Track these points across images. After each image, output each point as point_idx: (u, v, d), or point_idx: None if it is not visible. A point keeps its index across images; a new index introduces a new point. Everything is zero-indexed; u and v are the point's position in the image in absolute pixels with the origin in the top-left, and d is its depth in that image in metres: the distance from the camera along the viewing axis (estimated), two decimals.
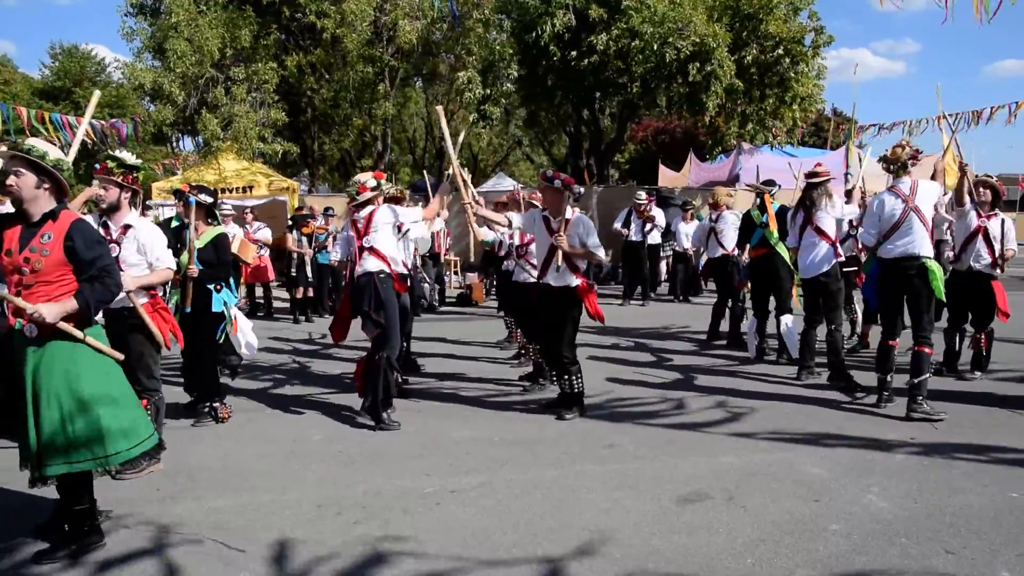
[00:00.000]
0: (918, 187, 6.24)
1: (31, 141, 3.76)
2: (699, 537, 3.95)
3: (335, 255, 7.84)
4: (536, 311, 6.62)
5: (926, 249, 6.15)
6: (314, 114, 22.85)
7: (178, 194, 6.62)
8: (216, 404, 6.32)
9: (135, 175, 5.05)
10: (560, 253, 6.13)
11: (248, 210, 13.35)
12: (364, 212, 6.24)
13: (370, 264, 6.14)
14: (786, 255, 8.24)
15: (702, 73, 16.90)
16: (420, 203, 14.60)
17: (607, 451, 5.44)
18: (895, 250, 6.22)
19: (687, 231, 14.95)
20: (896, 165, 6.30)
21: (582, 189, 6.75)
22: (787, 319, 8.28)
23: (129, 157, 5.03)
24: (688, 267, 15.20)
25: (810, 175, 7.49)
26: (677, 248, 15.12)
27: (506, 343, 9.67)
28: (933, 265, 6.10)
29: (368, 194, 6.22)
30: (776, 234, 8.34)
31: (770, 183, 8.94)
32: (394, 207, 6.38)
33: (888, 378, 6.40)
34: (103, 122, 17.27)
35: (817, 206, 7.30)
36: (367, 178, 6.32)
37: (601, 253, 6.38)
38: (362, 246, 6.20)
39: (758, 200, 8.68)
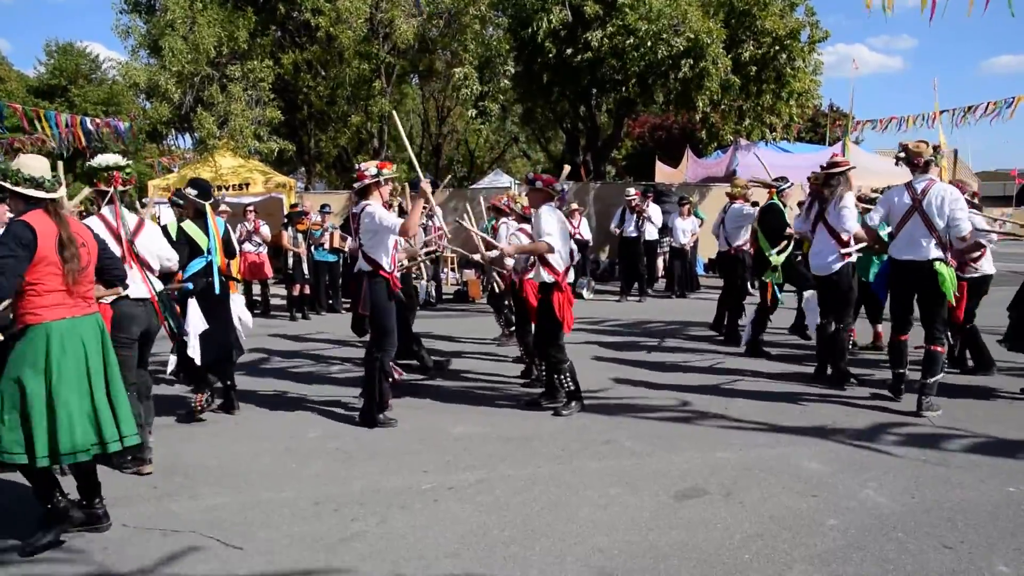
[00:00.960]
0: (931, 189, 6.05)
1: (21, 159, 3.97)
2: (696, 532, 3.96)
3: (350, 243, 7.25)
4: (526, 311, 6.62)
5: (932, 252, 6.01)
6: (310, 111, 22.80)
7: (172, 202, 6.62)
8: (197, 395, 6.31)
9: (96, 177, 5.05)
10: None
11: (249, 207, 13.35)
12: (358, 208, 6.13)
13: (362, 264, 6.10)
14: (773, 255, 8.28)
15: (695, 70, 16.89)
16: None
17: (604, 447, 5.44)
18: (902, 252, 6.16)
19: (683, 227, 14.96)
20: (917, 160, 6.14)
21: (565, 187, 6.71)
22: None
23: (96, 160, 5.08)
24: (684, 263, 15.20)
25: (830, 164, 7.27)
26: (674, 244, 15.11)
27: (503, 339, 9.66)
28: (942, 268, 6.00)
29: (366, 181, 6.05)
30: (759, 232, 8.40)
31: (782, 179, 8.91)
32: (374, 210, 6.03)
33: (904, 372, 6.48)
34: (98, 120, 17.24)
35: (831, 200, 7.08)
36: (368, 166, 6.16)
37: (542, 244, 6.21)
38: (358, 243, 6.16)
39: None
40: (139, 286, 5.04)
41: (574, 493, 4.54)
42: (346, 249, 12.24)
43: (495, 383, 7.59)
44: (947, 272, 6.03)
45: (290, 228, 12.72)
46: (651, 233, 14.78)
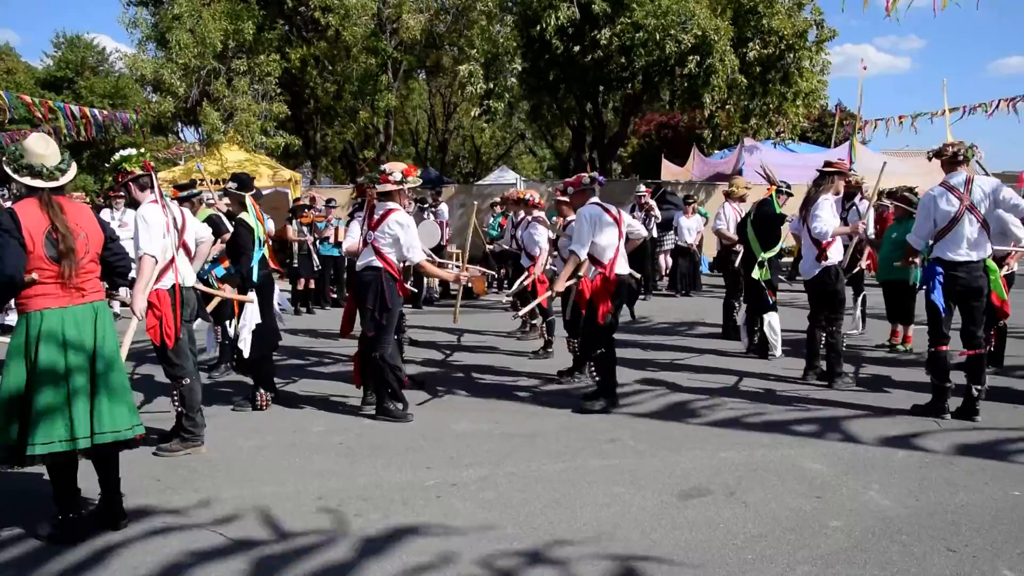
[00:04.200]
0: (973, 183, 5.79)
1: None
2: (700, 532, 3.95)
3: (348, 242, 7.23)
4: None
5: (988, 250, 5.85)
6: (317, 106, 22.82)
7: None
8: (259, 391, 6.47)
9: (128, 165, 5.20)
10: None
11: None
12: (384, 205, 6.11)
13: (375, 261, 6.08)
14: (761, 252, 8.31)
15: (701, 67, 16.86)
16: (428, 197, 14.68)
17: (608, 445, 5.44)
18: (958, 253, 5.81)
19: (689, 225, 14.92)
20: (947, 159, 5.90)
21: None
22: (769, 317, 8.31)
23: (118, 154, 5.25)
24: (690, 262, 15.17)
25: (826, 164, 7.23)
26: (679, 242, 15.08)
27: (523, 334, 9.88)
28: (992, 264, 5.94)
29: (389, 186, 6.09)
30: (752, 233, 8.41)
31: (786, 185, 8.89)
32: (407, 223, 6.14)
33: (951, 386, 5.99)
34: (105, 112, 17.27)
35: (809, 206, 7.00)
36: (393, 170, 6.16)
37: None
38: (367, 240, 6.16)
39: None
40: (191, 274, 5.42)
41: (577, 491, 4.54)
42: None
43: (499, 380, 7.59)
44: (994, 266, 5.93)
45: (295, 221, 12.71)
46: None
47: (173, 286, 5.12)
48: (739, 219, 9.67)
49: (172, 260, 5.14)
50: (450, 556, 3.71)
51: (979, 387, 5.90)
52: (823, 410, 6.29)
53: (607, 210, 6.41)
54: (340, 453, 5.33)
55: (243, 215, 6.38)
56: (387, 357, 6.10)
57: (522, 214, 9.58)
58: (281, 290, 7.01)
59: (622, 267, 6.42)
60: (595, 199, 6.47)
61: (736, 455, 5.16)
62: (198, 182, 7.44)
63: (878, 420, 5.98)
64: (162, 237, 5.01)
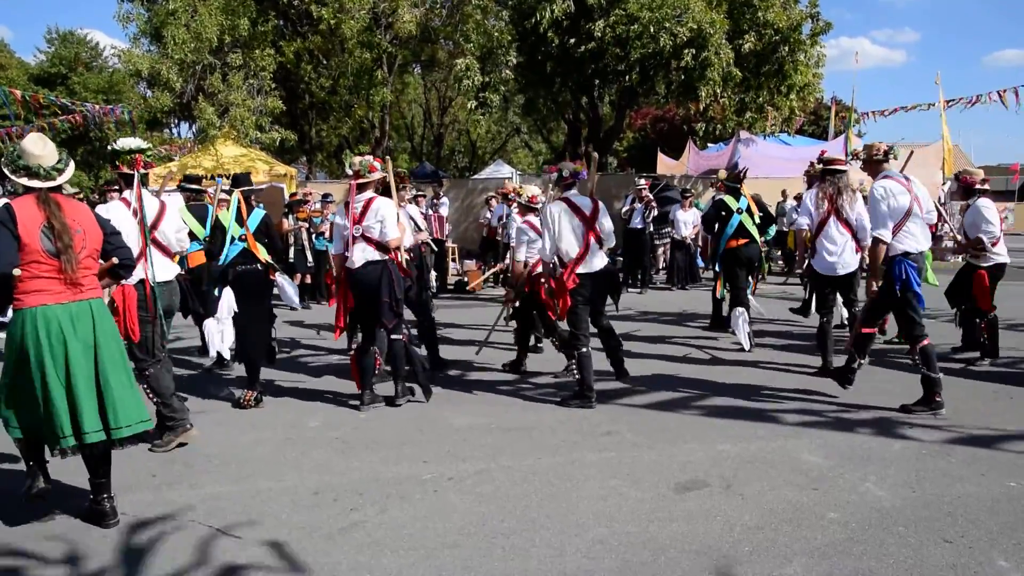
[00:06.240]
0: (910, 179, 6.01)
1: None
2: (697, 524, 3.95)
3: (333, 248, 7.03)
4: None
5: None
6: (312, 100, 22.77)
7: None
8: (247, 391, 6.43)
9: (119, 160, 5.23)
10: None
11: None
12: (363, 197, 6.13)
13: (372, 254, 6.07)
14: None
15: (696, 60, 16.84)
16: (427, 190, 14.65)
17: (605, 438, 5.44)
18: (921, 244, 5.97)
19: (685, 219, 14.93)
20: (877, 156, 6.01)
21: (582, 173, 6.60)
22: (739, 310, 8.43)
23: (119, 143, 5.25)
24: (687, 255, 15.19)
25: (828, 162, 7.20)
26: (675, 235, 15.09)
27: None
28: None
29: (377, 174, 6.18)
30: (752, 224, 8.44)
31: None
32: (390, 207, 6.15)
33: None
34: (98, 107, 17.22)
35: (843, 196, 6.95)
36: (355, 162, 6.25)
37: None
38: (355, 234, 6.09)
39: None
40: (163, 270, 5.35)
41: (574, 484, 4.54)
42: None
43: (496, 374, 7.58)
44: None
45: (291, 216, 12.68)
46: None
47: (141, 281, 5.11)
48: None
49: (140, 255, 5.09)
50: (447, 550, 3.71)
51: (861, 361, 6.17)
52: (819, 402, 6.30)
53: (578, 209, 6.22)
54: (337, 448, 5.32)
55: (220, 214, 6.38)
56: (411, 339, 6.31)
57: (516, 207, 9.56)
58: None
59: (589, 266, 6.19)
60: (572, 193, 6.32)
61: (733, 447, 5.17)
62: (207, 182, 7.56)
63: (874, 412, 5.98)
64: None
